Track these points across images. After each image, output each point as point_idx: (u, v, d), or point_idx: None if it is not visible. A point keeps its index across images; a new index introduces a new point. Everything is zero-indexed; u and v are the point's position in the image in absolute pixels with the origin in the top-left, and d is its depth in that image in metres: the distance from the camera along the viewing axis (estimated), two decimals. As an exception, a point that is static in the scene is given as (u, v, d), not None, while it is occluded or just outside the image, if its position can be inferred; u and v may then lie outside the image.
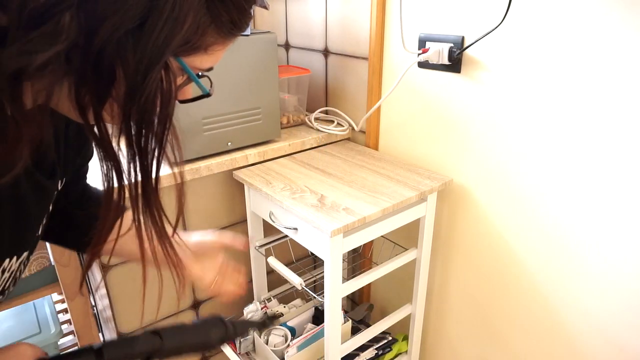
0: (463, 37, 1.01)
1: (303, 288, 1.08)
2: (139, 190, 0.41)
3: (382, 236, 1.47)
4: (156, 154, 0.41)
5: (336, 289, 1.01)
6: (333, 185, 1.09)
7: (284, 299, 1.38)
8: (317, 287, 1.39)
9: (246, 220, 1.25)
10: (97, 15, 0.34)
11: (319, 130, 1.35)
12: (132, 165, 0.40)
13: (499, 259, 1.09)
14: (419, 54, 1.07)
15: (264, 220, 1.21)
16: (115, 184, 0.41)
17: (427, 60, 1.07)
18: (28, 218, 0.50)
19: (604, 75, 0.81)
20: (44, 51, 0.33)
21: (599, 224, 0.88)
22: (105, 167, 0.41)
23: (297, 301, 1.38)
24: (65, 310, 1.46)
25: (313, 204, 0.99)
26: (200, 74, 0.46)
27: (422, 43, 1.09)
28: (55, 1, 0.32)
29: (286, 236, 1.23)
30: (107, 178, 0.41)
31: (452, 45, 1.02)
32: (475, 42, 0.98)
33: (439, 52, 1.04)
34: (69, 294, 1.18)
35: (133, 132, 0.39)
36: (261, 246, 1.25)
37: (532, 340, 1.08)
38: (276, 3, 1.54)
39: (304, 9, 1.43)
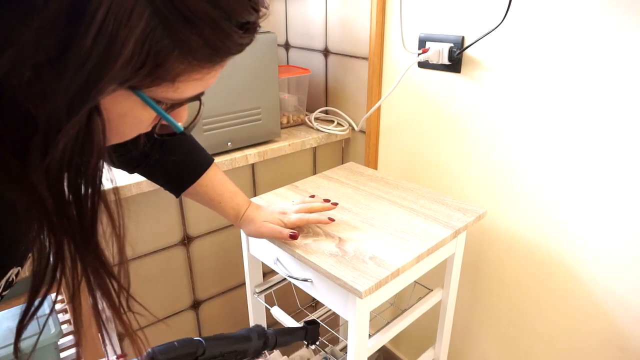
0: (463, 37, 1.01)
1: (318, 348, 0.95)
2: (74, 253, 0.35)
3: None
4: (87, 222, 0.34)
5: (362, 350, 0.86)
6: (350, 224, 0.91)
7: (288, 349, 1.14)
8: (323, 331, 1.19)
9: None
10: None
11: (319, 130, 1.35)
12: (60, 225, 0.34)
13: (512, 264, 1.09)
14: (419, 54, 1.07)
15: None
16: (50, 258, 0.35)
17: (427, 60, 1.07)
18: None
19: (605, 75, 0.81)
20: None
21: (605, 225, 0.88)
22: (36, 231, 0.34)
23: (303, 351, 1.19)
24: (65, 311, 1.46)
25: (332, 252, 0.82)
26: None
27: (422, 43, 1.09)
28: None
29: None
30: (40, 242, 0.35)
31: (452, 45, 1.02)
32: (475, 42, 0.98)
33: (439, 52, 1.04)
34: (69, 294, 1.17)
35: (56, 187, 0.32)
36: (261, 292, 1.09)
37: None
38: (276, 3, 1.54)
39: (304, 9, 1.43)
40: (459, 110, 1.08)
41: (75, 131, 0.30)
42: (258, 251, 1.00)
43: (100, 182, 0.34)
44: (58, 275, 0.36)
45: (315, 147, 1.35)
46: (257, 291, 1.09)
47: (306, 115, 1.43)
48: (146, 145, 0.65)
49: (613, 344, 0.92)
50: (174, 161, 0.77)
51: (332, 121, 1.40)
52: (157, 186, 0.83)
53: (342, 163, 1.45)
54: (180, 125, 0.40)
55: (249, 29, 0.36)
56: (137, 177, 1.01)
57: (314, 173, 1.39)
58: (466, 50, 1.01)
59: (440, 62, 1.05)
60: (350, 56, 1.31)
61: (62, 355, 1.14)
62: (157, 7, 0.29)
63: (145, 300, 1.18)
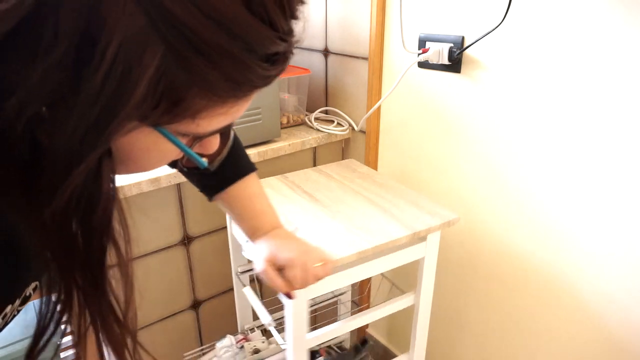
0: (463, 37, 1.01)
1: (272, 328, 0.95)
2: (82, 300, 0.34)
3: (381, 273, 1.44)
4: (96, 252, 0.33)
5: (300, 340, 0.87)
6: (315, 215, 0.96)
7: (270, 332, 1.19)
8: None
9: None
10: (1, 86, 0.27)
11: (319, 130, 1.35)
12: (67, 267, 0.33)
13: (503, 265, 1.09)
14: (419, 54, 1.07)
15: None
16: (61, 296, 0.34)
17: (427, 60, 1.07)
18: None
19: (605, 76, 0.81)
20: None
21: (604, 226, 0.88)
22: (49, 275, 0.34)
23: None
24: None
25: None
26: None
27: (422, 43, 1.09)
28: None
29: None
30: (50, 287, 0.34)
31: (452, 45, 1.02)
32: (475, 42, 0.98)
33: (439, 52, 1.04)
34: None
35: (65, 229, 0.31)
36: (243, 272, 1.12)
37: None
38: (276, 3, 1.54)
39: (304, 9, 1.43)
40: (458, 110, 1.08)
41: (84, 177, 0.29)
42: (236, 231, 1.02)
43: (110, 224, 0.33)
44: (65, 318, 0.35)
45: (315, 147, 1.36)
46: (240, 271, 1.11)
47: (306, 115, 1.43)
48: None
49: (607, 354, 0.92)
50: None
51: (332, 121, 1.40)
52: (157, 186, 0.82)
53: (342, 163, 1.46)
54: (205, 160, 0.38)
55: (277, 60, 0.33)
56: (137, 177, 1.01)
57: (314, 173, 1.39)
58: (466, 50, 1.01)
59: (440, 62, 1.05)
60: (350, 56, 1.31)
61: (62, 355, 1.14)
62: (171, 43, 0.28)
63: (146, 300, 1.18)
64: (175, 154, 0.38)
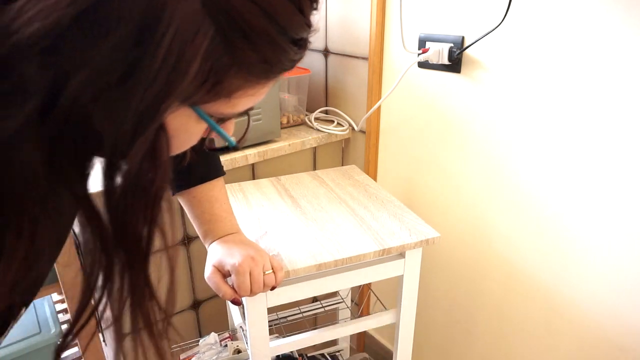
0: (463, 37, 1.01)
1: (241, 331, 0.92)
2: (124, 275, 0.35)
3: (370, 288, 1.44)
4: (146, 231, 0.34)
5: (261, 348, 0.85)
6: (290, 221, 0.94)
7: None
8: (287, 328, 1.21)
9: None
10: (64, 67, 0.28)
11: (319, 130, 1.35)
12: (117, 245, 0.34)
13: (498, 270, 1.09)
14: (419, 54, 1.07)
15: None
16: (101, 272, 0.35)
17: (427, 60, 1.07)
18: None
19: (605, 76, 0.81)
20: (11, 116, 0.27)
21: (604, 227, 0.88)
22: (90, 246, 0.35)
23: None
24: (65, 311, 1.46)
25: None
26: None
27: (422, 43, 1.09)
28: (15, 50, 0.26)
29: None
30: (92, 259, 0.35)
31: (452, 45, 1.02)
32: (475, 42, 0.98)
33: (439, 52, 1.04)
34: (69, 294, 1.18)
35: (118, 207, 0.33)
36: None
37: None
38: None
39: (304, 9, 1.43)
40: (458, 110, 1.08)
41: (145, 149, 0.31)
42: None
43: (163, 197, 0.34)
44: (106, 294, 0.36)
45: (315, 147, 1.36)
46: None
47: (306, 115, 1.43)
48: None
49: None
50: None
51: (332, 121, 1.40)
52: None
53: (342, 163, 1.46)
54: (233, 139, 0.41)
55: (302, 45, 0.36)
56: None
57: (314, 173, 1.39)
58: (466, 51, 1.01)
59: (440, 62, 1.05)
60: (350, 56, 1.31)
61: (62, 355, 1.14)
62: (220, 25, 0.30)
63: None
64: (198, 137, 0.39)
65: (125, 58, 0.28)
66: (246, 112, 0.40)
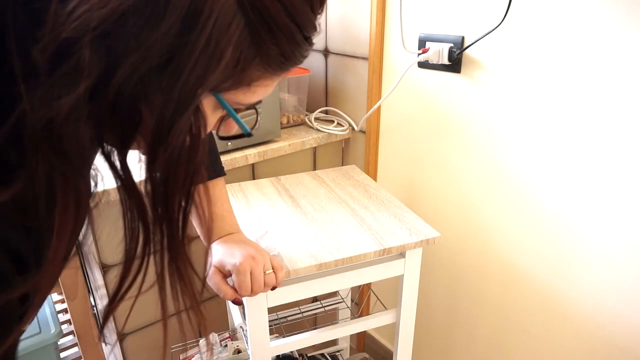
0: (463, 37, 1.01)
1: (242, 331, 0.93)
2: (165, 244, 0.38)
3: (370, 288, 1.44)
4: (183, 205, 0.37)
5: (261, 348, 0.86)
6: (290, 222, 0.94)
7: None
8: (288, 328, 1.22)
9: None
10: (117, 51, 0.31)
11: (319, 130, 1.35)
12: (156, 217, 0.37)
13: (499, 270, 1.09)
14: (419, 54, 1.07)
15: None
16: (141, 239, 0.38)
17: (427, 60, 1.07)
18: None
19: (605, 76, 0.81)
20: (68, 93, 0.30)
21: (604, 227, 0.88)
22: (130, 217, 0.37)
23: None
24: (65, 310, 1.46)
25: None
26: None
27: (422, 43, 1.09)
28: (74, 36, 0.29)
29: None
30: (132, 230, 0.38)
31: (452, 45, 1.02)
32: (475, 42, 0.98)
33: (439, 52, 1.04)
34: (69, 294, 1.18)
35: (158, 182, 0.36)
36: None
37: None
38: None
39: (304, 9, 1.43)
40: (458, 110, 1.08)
41: (186, 129, 0.34)
42: None
43: (198, 178, 0.37)
44: (146, 259, 0.39)
45: (315, 147, 1.36)
46: None
47: (306, 115, 1.43)
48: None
49: None
50: None
51: (332, 121, 1.40)
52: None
53: (342, 163, 1.46)
54: (248, 127, 0.43)
55: (311, 42, 0.40)
56: (136, 177, 1.01)
57: (314, 173, 1.39)
58: (466, 51, 1.01)
59: (440, 62, 1.05)
60: (350, 56, 1.31)
61: (62, 355, 1.14)
62: (250, 18, 0.33)
63: (146, 300, 1.18)
64: (211, 126, 0.42)
65: (171, 44, 0.31)
66: (253, 106, 0.43)
